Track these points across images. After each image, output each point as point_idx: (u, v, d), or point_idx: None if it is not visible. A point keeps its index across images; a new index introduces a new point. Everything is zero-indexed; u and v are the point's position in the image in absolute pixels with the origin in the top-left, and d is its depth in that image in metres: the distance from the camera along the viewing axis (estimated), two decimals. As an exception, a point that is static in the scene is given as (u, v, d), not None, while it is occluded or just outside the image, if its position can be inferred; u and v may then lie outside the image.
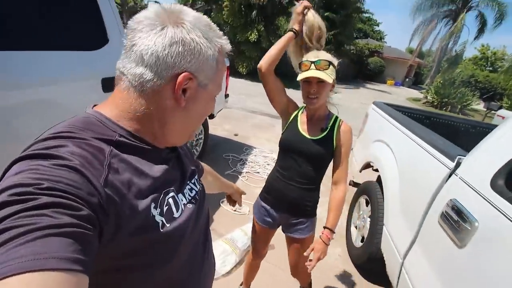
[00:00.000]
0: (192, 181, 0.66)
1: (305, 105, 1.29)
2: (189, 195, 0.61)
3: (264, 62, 1.16)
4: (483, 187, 1.07)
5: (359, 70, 22.33)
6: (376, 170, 2.48)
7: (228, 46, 0.55)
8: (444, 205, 1.24)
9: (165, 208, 0.51)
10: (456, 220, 1.13)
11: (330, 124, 1.23)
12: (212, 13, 12.89)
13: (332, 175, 1.27)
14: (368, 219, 2.14)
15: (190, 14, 0.49)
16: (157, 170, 0.52)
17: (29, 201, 0.32)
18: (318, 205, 1.33)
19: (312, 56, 1.13)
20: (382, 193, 2.01)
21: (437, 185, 1.37)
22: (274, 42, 1.21)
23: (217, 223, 2.38)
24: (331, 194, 1.26)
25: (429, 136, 1.71)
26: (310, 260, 1.16)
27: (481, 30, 16.28)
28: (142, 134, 0.51)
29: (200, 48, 0.48)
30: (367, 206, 2.26)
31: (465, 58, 24.38)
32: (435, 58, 18.11)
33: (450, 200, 1.21)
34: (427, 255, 1.31)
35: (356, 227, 2.39)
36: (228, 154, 3.78)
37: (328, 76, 1.09)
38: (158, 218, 0.49)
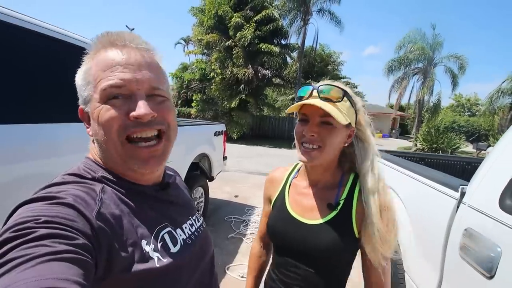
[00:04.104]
0: (193, 217, 0.67)
1: (300, 163, 0.88)
2: (189, 230, 0.62)
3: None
4: (493, 210, 1.07)
5: (347, 127, 23.50)
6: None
7: (105, 37, 0.52)
8: (461, 237, 1.20)
9: (159, 244, 0.51)
10: (478, 250, 1.08)
11: (345, 195, 0.77)
12: (206, 90, 14.18)
13: (364, 279, 0.81)
14: (387, 269, 1.99)
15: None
16: (147, 206, 0.54)
17: (28, 234, 0.35)
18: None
19: (318, 83, 0.74)
20: (395, 237, 1.92)
21: (448, 217, 1.34)
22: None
23: (224, 292, 2.17)
24: None
25: (428, 172, 1.74)
26: None
27: (454, 82, 17.90)
28: (111, 169, 0.53)
29: (77, 82, 0.54)
30: (382, 255, 2.12)
31: (443, 107, 26.19)
32: (415, 109, 19.39)
33: (465, 230, 1.18)
34: (459, 296, 1.20)
35: (376, 281, 2.19)
36: (230, 217, 3.67)
37: (340, 113, 0.69)
38: (153, 254, 0.49)
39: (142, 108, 0.48)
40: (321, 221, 0.76)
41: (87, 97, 0.51)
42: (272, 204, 0.89)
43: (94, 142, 0.54)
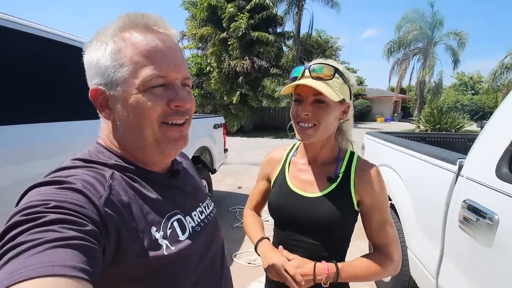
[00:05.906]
0: (204, 204, 0.66)
1: (298, 142, 0.90)
2: (198, 217, 0.61)
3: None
4: (490, 179, 1.06)
5: (348, 113, 23.44)
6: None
7: (136, 17, 0.49)
8: (460, 209, 1.20)
9: (168, 231, 0.51)
10: (476, 219, 1.08)
11: (343, 169, 0.80)
12: (203, 84, 14.10)
13: (371, 243, 0.83)
14: (391, 248, 2.00)
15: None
16: (157, 193, 0.53)
17: (38, 219, 0.35)
18: None
19: (310, 63, 0.76)
20: (397, 216, 1.93)
21: (447, 191, 1.34)
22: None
23: (231, 278, 2.20)
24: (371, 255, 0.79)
25: (427, 148, 1.73)
26: None
27: (456, 60, 17.59)
28: (126, 155, 0.53)
29: (92, 60, 0.49)
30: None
31: (445, 86, 25.87)
32: (416, 91, 19.15)
33: (464, 201, 1.18)
34: (459, 266, 1.21)
35: (380, 260, 2.22)
36: (234, 207, 3.71)
37: (332, 90, 0.71)
38: (162, 242, 0.49)
39: (185, 97, 0.51)
40: (321, 193, 0.78)
41: (117, 79, 0.47)
42: (272, 183, 0.91)
43: (113, 126, 0.52)
